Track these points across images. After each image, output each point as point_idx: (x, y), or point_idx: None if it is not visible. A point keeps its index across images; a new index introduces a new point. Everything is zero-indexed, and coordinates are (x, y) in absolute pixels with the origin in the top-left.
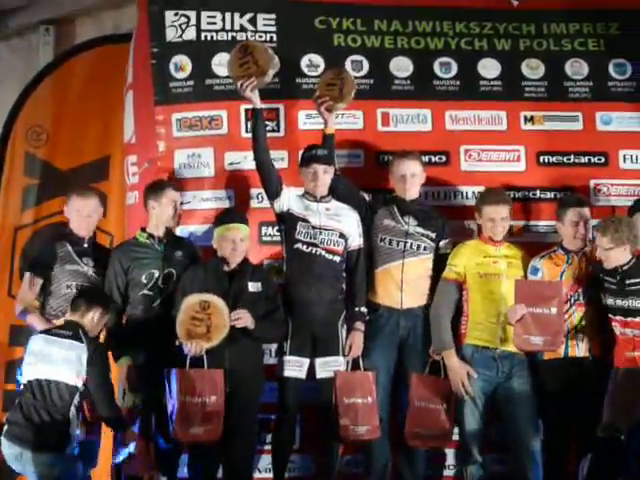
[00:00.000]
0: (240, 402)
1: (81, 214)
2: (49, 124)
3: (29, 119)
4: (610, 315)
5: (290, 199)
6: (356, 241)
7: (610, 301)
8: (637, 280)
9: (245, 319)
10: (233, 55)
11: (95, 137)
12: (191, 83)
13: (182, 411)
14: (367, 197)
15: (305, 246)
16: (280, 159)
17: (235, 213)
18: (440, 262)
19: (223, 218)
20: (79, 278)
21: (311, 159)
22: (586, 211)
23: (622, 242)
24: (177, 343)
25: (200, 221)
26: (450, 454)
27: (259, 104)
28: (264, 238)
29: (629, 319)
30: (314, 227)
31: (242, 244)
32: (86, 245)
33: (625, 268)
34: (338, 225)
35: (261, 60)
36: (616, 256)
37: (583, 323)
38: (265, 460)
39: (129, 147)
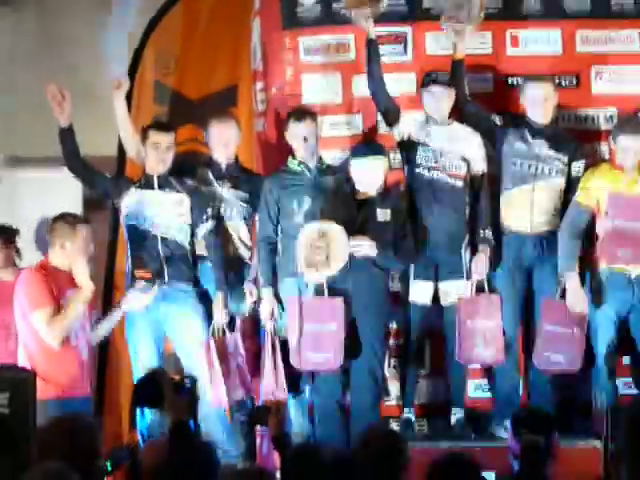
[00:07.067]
0: (365, 329)
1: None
2: (178, 52)
3: (158, 47)
4: None
5: (410, 124)
6: (479, 165)
7: None
8: None
9: (364, 248)
10: None
11: (223, 65)
12: (318, 8)
13: (303, 339)
14: (498, 121)
15: (426, 170)
16: (408, 82)
17: (376, 144)
18: (572, 185)
19: (363, 150)
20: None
21: (430, 82)
22: None
23: None
24: (299, 272)
25: (328, 147)
26: None
27: (374, 34)
28: (392, 163)
29: None
30: (434, 151)
31: (379, 175)
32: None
33: None
34: (460, 148)
35: None
36: None
37: None
38: (394, 387)
39: (257, 74)
